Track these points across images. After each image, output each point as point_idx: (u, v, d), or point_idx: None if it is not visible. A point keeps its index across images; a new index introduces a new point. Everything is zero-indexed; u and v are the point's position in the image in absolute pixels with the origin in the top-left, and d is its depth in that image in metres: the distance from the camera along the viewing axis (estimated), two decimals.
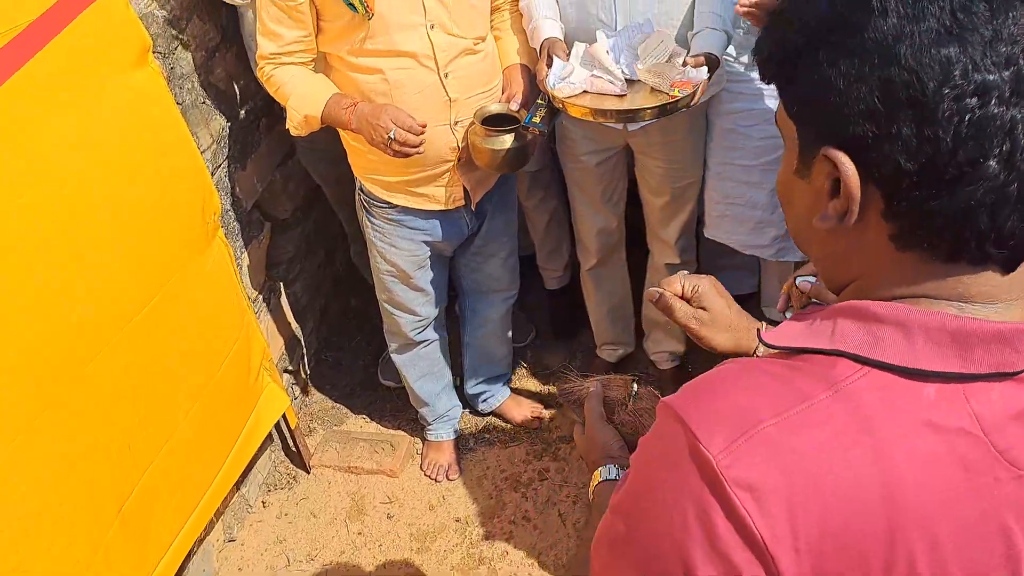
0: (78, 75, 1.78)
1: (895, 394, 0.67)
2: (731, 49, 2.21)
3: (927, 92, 0.62)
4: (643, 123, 2.22)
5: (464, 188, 2.26)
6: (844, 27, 0.66)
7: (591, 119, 2.06)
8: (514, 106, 2.15)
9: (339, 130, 2.21)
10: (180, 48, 2.30)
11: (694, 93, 1.96)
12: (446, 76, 2.07)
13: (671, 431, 0.69)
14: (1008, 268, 0.70)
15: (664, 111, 1.97)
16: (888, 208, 0.68)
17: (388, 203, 2.27)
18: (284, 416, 2.71)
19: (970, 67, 0.62)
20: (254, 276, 2.76)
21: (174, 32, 2.26)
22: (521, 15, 2.23)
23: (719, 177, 2.44)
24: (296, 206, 2.99)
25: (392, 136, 1.96)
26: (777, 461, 0.65)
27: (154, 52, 2.04)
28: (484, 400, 2.93)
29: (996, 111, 0.62)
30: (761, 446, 0.65)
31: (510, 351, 2.93)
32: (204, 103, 2.42)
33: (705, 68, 1.97)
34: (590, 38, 2.10)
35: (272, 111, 2.74)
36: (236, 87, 2.59)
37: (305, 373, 3.15)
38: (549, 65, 2.06)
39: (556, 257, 3.11)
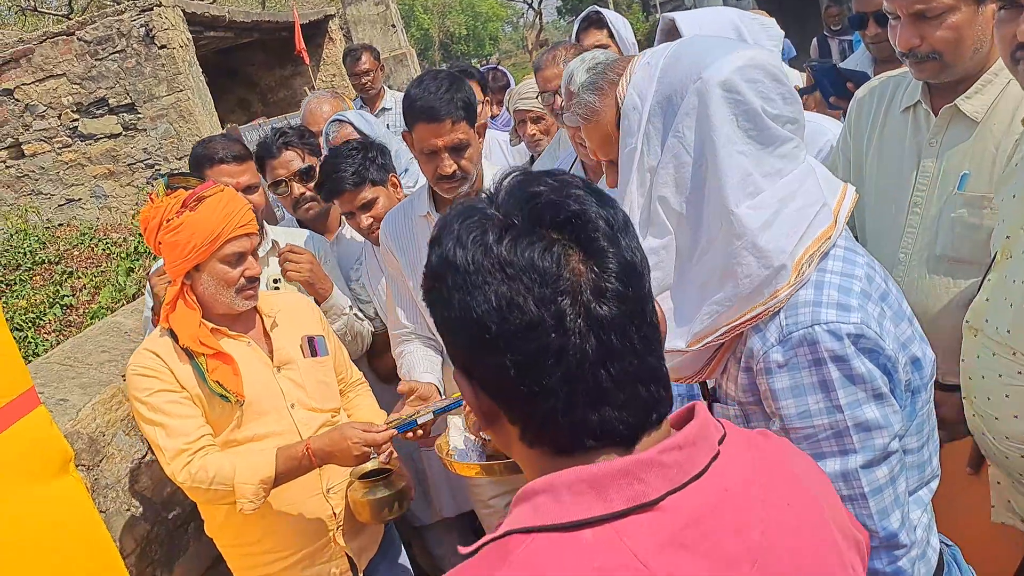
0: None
1: (561, 549, 0.76)
2: None
3: (492, 333, 0.79)
4: None
5: (349, 558, 2.26)
6: (436, 290, 0.84)
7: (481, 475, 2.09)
8: (383, 458, 2.18)
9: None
10: (104, 461, 2.52)
11: None
12: None
13: None
14: (627, 447, 0.81)
15: None
16: (507, 415, 0.84)
17: None
18: None
19: (517, 311, 0.77)
20: None
21: (99, 447, 2.50)
22: (365, 387, 2.51)
23: None
24: None
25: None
26: None
27: (77, 465, 2.24)
28: None
29: (546, 340, 0.77)
30: None
31: None
32: (128, 510, 2.57)
33: None
34: None
35: (199, 515, 2.87)
36: (163, 493, 2.76)
37: None
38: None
39: None
